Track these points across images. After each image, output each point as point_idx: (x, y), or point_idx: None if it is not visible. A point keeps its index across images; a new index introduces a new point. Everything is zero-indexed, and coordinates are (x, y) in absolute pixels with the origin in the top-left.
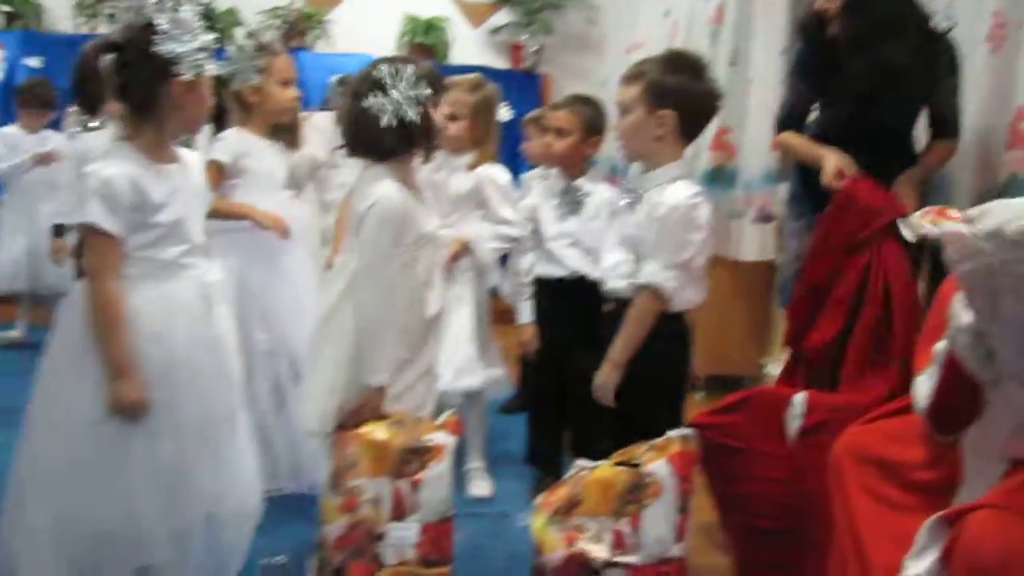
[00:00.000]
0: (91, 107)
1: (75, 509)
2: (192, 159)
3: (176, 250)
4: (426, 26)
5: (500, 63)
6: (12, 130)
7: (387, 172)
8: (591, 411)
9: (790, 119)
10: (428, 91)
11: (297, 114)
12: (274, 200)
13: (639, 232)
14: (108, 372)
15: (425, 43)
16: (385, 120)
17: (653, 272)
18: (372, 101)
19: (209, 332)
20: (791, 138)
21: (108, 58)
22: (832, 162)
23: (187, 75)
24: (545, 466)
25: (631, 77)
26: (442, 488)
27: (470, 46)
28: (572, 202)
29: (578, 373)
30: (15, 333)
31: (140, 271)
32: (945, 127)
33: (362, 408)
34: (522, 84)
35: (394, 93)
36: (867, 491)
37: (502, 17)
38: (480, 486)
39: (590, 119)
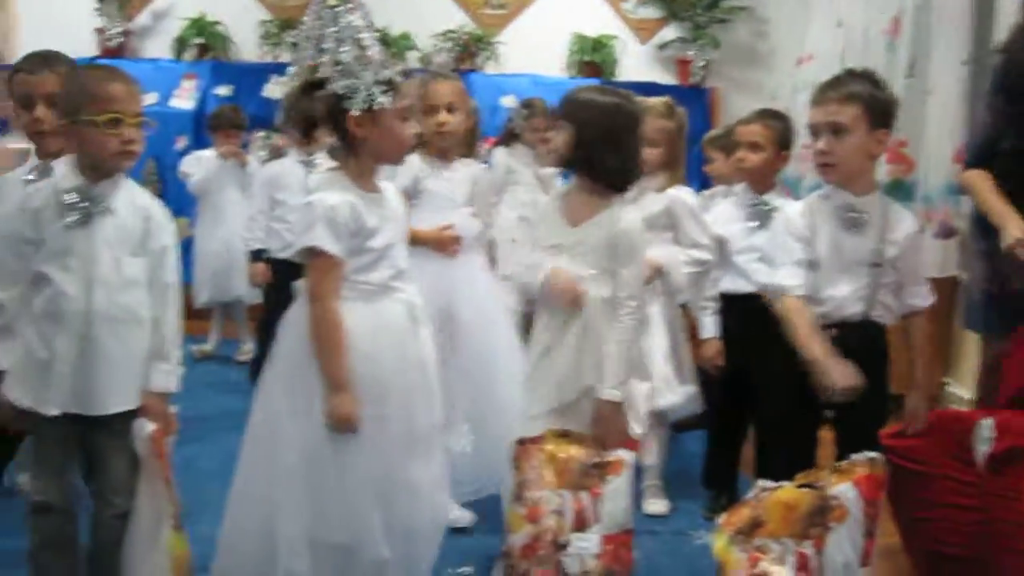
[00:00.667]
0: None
1: (313, 522)
2: (390, 188)
3: (386, 273)
4: (594, 44)
5: (668, 78)
6: (209, 153)
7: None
8: (776, 430)
9: (984, 153)
10: None
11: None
12: (447, 217)
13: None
14: (326, 387)
15: (594, 61)
16: None
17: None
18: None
19: (415, 352)
20: (979, 181)
21: (320, 94)
22: (1014, 231)
23: (357, 109)
24: (721, 485)
25: (844, 98)
26: (622, 501)
27: (638, 62)
28: (760, 216)
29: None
30: (208, 347)
31: (355, 293)
32: None
33: (599, 423)
34: (690, 99)
35: None
36: None
37: (670, 32)
38: (656, 504)
39: (782, 133)
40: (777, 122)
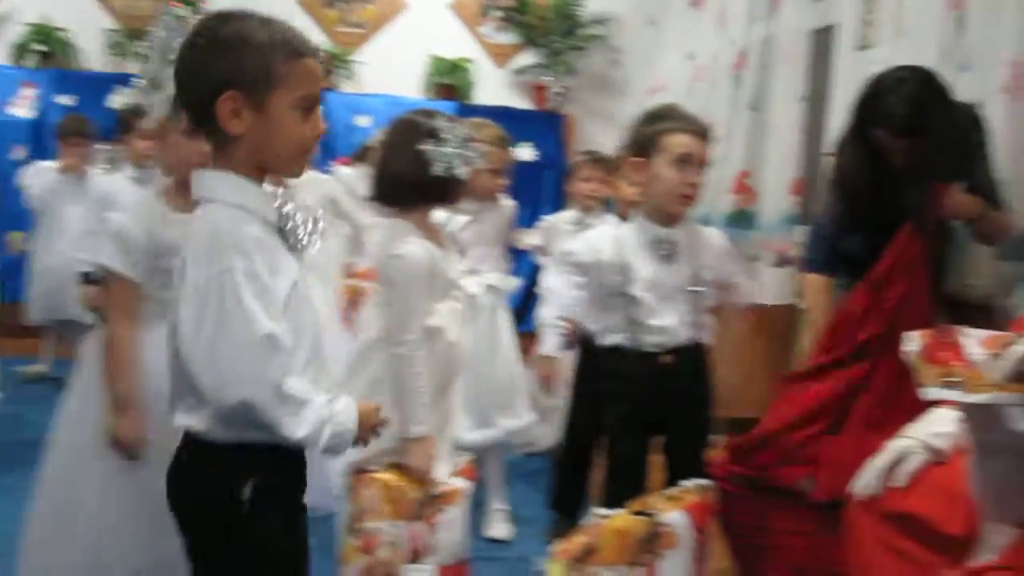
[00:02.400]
0: None
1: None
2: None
3: None
4: (451, 66)
5: (524, 103)
6: (49, 165)
7: (410, 223)
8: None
9: (825, 256)
10: (476, 152)
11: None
12: None
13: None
14: (111, 408)
15: (450, 83)
16: (435, 169)
17: None
18: (426, 149)
19: None
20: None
21: None
22: None
23: (148, 122)
24: (567, 510)
25: (705, 133)
26: (457, 531)
27: (495, 86)
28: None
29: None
30: (40, 367)
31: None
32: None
33: (410, 459)
34: (546, 124)
35: (449, 147)
36: (885, 546)
37: (526, 58)
38: (499, 528)
39: None
40: None
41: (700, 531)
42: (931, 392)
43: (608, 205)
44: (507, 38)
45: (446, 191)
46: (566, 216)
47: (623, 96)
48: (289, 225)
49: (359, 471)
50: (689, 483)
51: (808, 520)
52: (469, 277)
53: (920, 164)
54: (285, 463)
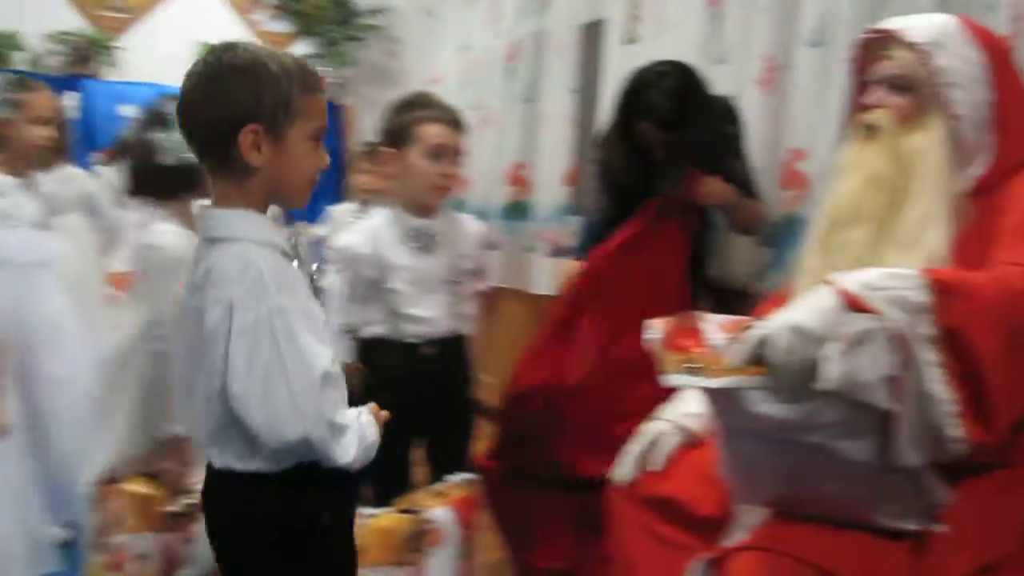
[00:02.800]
0: None
1: None
2: None
3: None
4: None
5: None
6: None
7: (168, 215)
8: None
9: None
10: None
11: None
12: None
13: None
14: None
15: None
16: (166, 158)
17: None
18: (156, 137)
19: None
20: None
21: None
22: None
23: None
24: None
25: (458, 123)
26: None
27: None
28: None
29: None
30: None
31: None
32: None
33: (165, 459)
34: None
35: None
36: (646, 531)
37: (301, 48)
38: None
39: None
40: None
41: (466, 526)
42: (673, 379)
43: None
44: (281, 27)
45: (185, 179)
46: (346, 208)
47: (402, 87)
48: (298, 252)
49: (106, 482)
50: (454, 477)
51: (573, 505)
52: None
53: (677, 153)
54: (346, 484)
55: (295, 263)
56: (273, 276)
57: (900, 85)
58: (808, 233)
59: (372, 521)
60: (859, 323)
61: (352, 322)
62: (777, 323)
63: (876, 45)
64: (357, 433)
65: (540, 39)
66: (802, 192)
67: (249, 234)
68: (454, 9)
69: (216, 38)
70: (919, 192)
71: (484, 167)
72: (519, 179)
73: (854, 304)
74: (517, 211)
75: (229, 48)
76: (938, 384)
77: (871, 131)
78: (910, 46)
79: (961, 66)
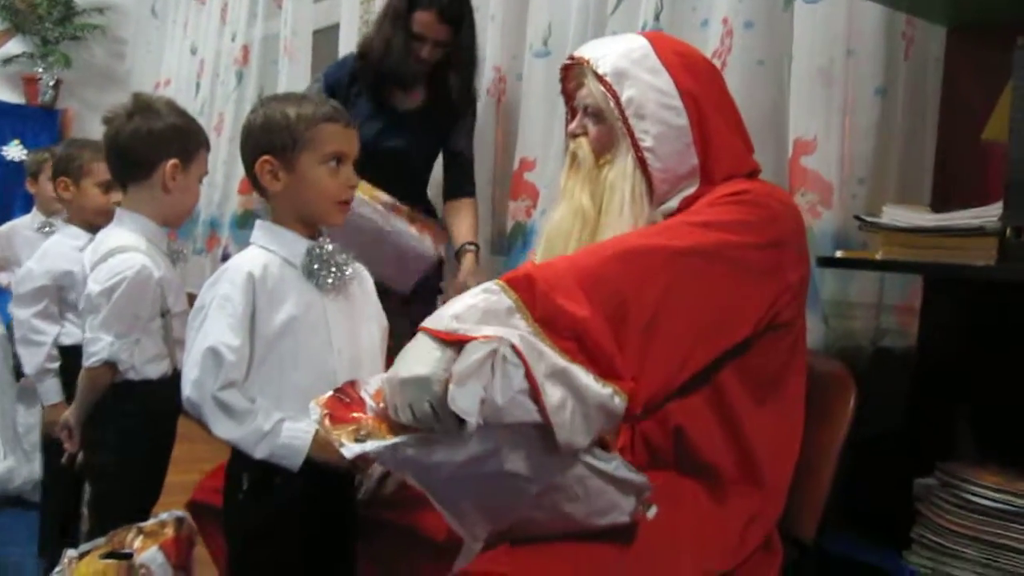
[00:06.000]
0: None
1: None
2: None
3: None
4: None
5: (14, 97)
6: None
7: None
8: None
9: None
10: None
11: None
12: None
13: None
14: None
15: None
16: None
17: None
18: None
19: None
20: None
21: None
22: None
23: None
24: (56, 557)
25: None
26: None
27: None
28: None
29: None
30: None
31: None
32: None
33: None
34: (40, 120)
35: None
36: (376, 561)
37: (15, 47)
38: None
39: None
40: None
41: (180, 568)
42: (349, 450)
43: None
44: None
45: None
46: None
47: (127, 90)
48: (316, 265)
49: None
50: (165, 515)
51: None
52: None
53: (450, 47)
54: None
55: (307, 272)
56: (231, 271)
57: (594, 114)
58: (536, 248)
59: (76, 567)
60: (468, 354)
61: None
62: (389, 383)
63: (575, 71)
64: (260, 427)
65: (271, 44)
66: (532, 202)
67: (258, 240)
68: (182, 11)
69: None
70: (606, 227)
71: (216, 176)
72: (248, 188)
73: (451, 340)
74: (249, 221)
75: (267, 98)
76: (567, 364)
77: (574, 160)
78: (599, 77)
79: (649, 95)
